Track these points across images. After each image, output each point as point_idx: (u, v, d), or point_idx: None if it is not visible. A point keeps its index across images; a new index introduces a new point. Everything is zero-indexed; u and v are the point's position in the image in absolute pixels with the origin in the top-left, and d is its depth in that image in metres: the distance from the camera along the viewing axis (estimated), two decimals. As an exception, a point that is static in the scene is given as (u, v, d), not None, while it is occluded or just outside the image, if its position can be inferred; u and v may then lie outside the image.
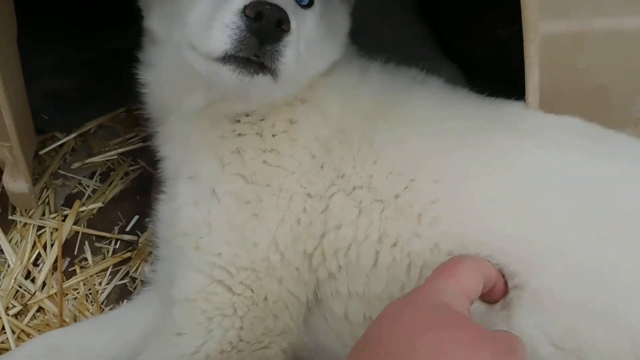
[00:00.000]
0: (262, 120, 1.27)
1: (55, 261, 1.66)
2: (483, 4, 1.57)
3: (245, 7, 1.07)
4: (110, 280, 1.67)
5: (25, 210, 1.73)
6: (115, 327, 1.45)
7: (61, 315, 1.59)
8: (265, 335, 1.19)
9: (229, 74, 1.10)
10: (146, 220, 1.74)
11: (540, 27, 1.28)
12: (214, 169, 1.26)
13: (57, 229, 1.70)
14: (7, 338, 1.54)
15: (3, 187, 1.70)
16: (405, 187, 1.17)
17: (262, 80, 1.12)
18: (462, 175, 1.15)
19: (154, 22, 1.28)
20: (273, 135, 1.25)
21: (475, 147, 1.18)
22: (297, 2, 1.24)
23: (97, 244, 1.72)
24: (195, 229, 1.21)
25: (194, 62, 1.16)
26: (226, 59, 1.10)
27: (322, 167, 1.23)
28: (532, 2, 1.17)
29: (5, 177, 1.56)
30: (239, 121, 1.28)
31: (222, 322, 1.17)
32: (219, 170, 1.25)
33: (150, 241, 1.69)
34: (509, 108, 1.29)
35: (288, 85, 1.19)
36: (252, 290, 1.19)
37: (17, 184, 1.53)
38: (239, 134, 1.27)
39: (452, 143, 1.18)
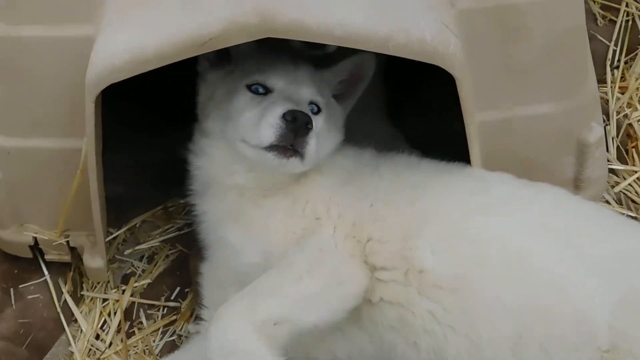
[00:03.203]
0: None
1: (119, 324, 2.09)
2: (445, 103, 2.06)
3: (285, 113, 1.64)
4: (161, 338, 2.10)
5: (92, 287, 2.17)
6: None
7: (127, 365, 2.01)
8: None
9: (272, 158, 1.66)
10: (185, 290, 2.19)
11: (477, 116, 1.82)
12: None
13: (118, 300, 2.14)
14: (88, 385, 1.96)
15: (73, 270, 2.16)
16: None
17: (294, 161, 1.67)
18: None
19: (210, 122, 1.83)
20: None
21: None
22: (310, 111, 1.78)
23: (149, 311, 2.16)
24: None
25: (244, 151, 1.71)
26: (271, 147, 1.65)
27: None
28: (468, 95, 1.70)
29: (85, 256, 2.02)
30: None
31: None
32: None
33: (191, 305, 2.14)
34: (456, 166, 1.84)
35: (308, 165, 1.71)
36: None
37: (95, 261, 1.99)
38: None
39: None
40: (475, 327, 1.61)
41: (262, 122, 1.66)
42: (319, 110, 1.81)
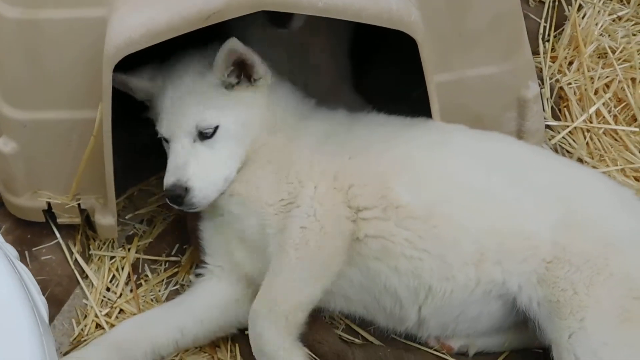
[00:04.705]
0: None
1: (127, 277, 2.35)
2: (404, 70, 2.37)
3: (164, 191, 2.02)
4: (166, 288, 2.36)
5: (98, 247, 2.42)
6: (182, 305, 2.16)
7: (139, 311, 2.26)
8: None
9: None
10: (184, 247, 2.46)
11: (435, 77, 2.14)
12: None
13: (124, 257, 2.40)
14: (104, 330, 2.22)
15: (81, 234, 2.41)
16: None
17: (199, 207, 2.05)
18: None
19: None
20: None
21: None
22: (204, 138, 2.02)
23: (152, 266, 2.42)
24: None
25: None
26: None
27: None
28: (428, 57, 2.02)
29: (96, 216, 2.27)
30: None
31: None
32: None
33: (190, 259, 2.41)
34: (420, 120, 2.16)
35: (212, 192, 2.05)
36: None
37: (107, 219, 2.24)
38: None
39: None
40: (446, 249, 1.94)
41: None
42: (213, 133, 2.02)
